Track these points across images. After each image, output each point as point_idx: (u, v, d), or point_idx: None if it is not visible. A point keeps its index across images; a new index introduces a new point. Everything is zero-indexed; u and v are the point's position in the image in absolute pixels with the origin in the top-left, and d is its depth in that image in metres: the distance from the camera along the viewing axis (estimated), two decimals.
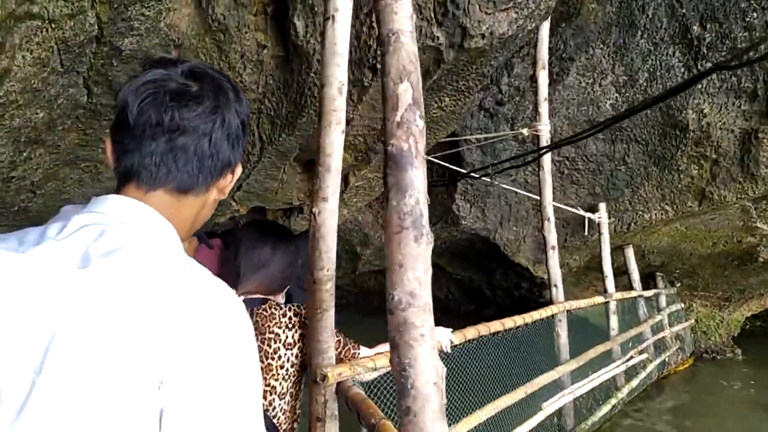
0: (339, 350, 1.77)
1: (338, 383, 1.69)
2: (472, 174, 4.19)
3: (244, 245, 1.74)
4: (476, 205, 5.19)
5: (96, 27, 2.09)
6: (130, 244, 0.69)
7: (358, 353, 1.83)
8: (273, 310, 1.65)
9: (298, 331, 1.64)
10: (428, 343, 0.86)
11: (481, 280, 7.58)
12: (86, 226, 0.71)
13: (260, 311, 1.64)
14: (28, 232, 0.73)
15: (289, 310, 1.67)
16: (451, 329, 2.20)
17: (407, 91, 0.90)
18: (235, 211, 3.35)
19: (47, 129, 2.32)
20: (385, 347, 1.91)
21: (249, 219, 3.92)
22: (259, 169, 3.01)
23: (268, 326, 1.62)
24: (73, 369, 0.59)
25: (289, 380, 1.63)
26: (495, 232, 5.40)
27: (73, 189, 2.94)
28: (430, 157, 4.48)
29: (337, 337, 1.76)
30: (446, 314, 8.82)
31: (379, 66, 2.38)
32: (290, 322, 1.64)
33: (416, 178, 0.86)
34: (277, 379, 1.60)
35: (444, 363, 2.26)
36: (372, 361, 1.76)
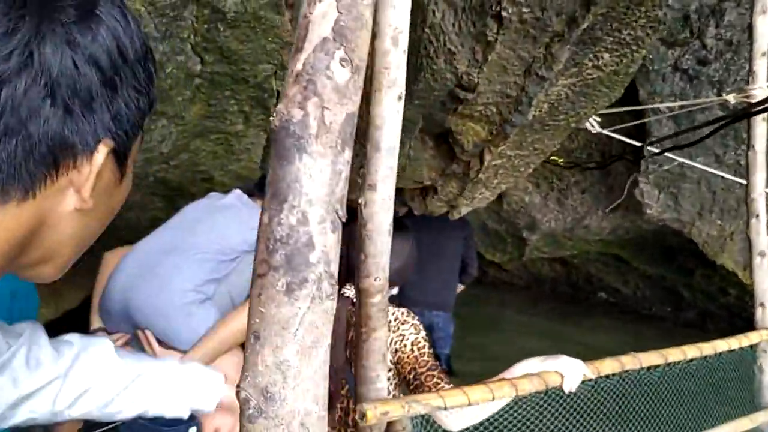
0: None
1: (389, 424, 1.34)
2: (650, 148, 3.34)
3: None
4: (667, 190, 4.23)
5: None
6: None
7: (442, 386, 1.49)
8: None
9: (392, 336, 1.56)
10: None
11: (676, 280, 6.38)
12: None
13: None
14: None
15: (392, 314, 1.59)
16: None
17: (326, 17, 0.49)
18: None
19: (161, 99, 2.30)
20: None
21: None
22: None
23: None
24: None
25: (389, 381, 1.52)
26: (691, 225, 4.36)
27: (208, 161, 2.98)
28: (603, 131, 3.72)
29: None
30: (633, 315, 7.66)
31: (504, 14, 1.88)
32: (389, 325, 1.57)
33: (310, 176, 0.46)
34: None
35: (575, 403, 1.74)
36: (441, 398, 1.36)
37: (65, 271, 0.59)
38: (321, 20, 0.51)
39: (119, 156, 0.55)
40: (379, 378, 1.33)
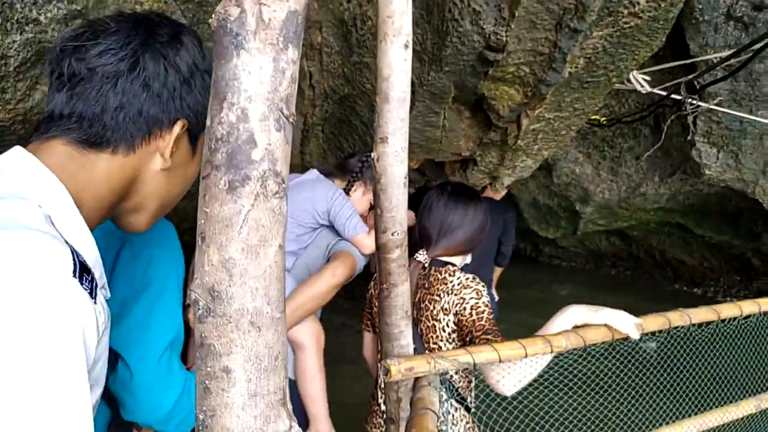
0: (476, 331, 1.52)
1: (416, 379, 1.34)
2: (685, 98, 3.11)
3: (435, 209, 1.75)
4: (726, 149, 3.96)
5: None
6: None
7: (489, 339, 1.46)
8: (447, 275, 1.66)
9: (453, 299, 1.60)
10: (241, 388, 0.46)
11: (743, 246, 6.01)
12: None
13: (435, 273, 1.68)
14: None
15: (457, 278, 1.63)
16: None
17: None
18: None
19: None
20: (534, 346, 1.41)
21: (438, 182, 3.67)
22: (415, 115, 2.68)
23: (437, 288, 1.65)
24: None
25: (453, 344, 1.63)
26: (755, 184, 4.08)
27: None
28: (653, 90, 3.53)
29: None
30: (700, 287, 7.28)
31: None
32: (452, 289, 1.62)
33: (249, 73, 0.45)
34: (441, 340, 1.63)
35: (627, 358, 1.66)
36: (468, 353, 1.33)
37: (150, 225, 0.80)
38: None
39: (191, 136, 0.78)
40: (403, 334, 1.32)
